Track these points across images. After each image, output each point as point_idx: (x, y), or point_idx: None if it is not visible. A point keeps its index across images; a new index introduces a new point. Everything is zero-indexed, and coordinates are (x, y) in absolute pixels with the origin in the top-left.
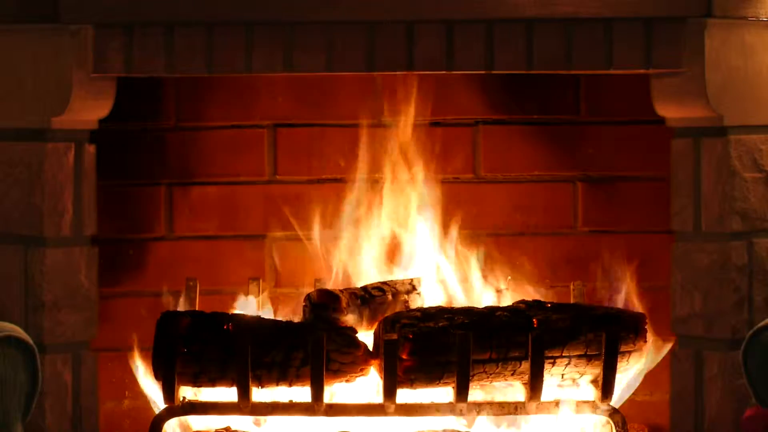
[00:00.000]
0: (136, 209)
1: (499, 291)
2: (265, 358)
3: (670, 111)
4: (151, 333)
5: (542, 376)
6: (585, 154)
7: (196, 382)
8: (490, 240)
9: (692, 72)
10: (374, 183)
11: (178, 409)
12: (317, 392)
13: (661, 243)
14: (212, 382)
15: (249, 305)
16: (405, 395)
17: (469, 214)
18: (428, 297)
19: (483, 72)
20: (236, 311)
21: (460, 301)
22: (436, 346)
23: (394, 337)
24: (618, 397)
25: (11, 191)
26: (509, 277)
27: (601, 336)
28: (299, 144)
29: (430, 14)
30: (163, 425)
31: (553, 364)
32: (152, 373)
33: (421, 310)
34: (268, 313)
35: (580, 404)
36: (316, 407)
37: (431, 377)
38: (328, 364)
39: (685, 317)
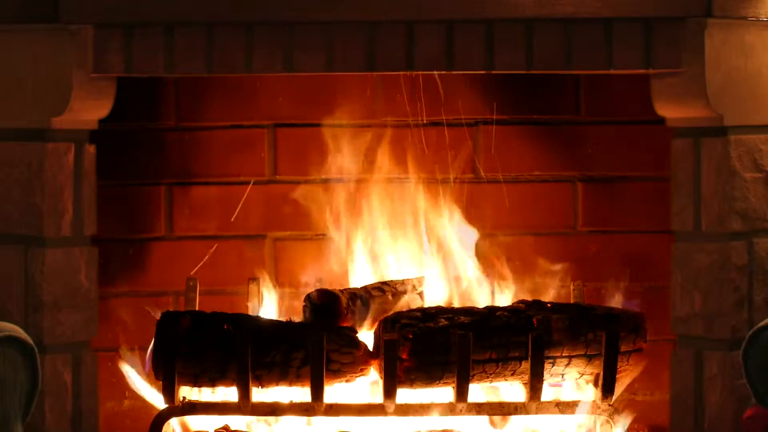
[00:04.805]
0: (136, 209)
1: (499, 291)
2: (265, 358)
3: (670, 111)
4: (150, 333)
5: (542, 376)
6: (585, 154)
7: (196, 382)
8: (490, 240)
9: (692, 72)
10: (373, 183)
11: (178, 409)
12: (317, 392)
13: (661, 243)
14: (212, 382)
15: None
16: (405, 395)
17: (469, 213)
18: (429, 297)
19: (483, 72)
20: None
21: (461, 301)
22: (436, 346)
23: (394, 337)
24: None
25: (11, 191)
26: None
27: (601, 336)
28: (299, 144)
29: (430, 14)
30: (163, 425)
31: (553, 364)
32: (152, 373)
33: (421, 310)
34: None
35: (580, 404)
36: (316, 407)
37: (431, 377)
38: (328, 364)
39: (685, 317)
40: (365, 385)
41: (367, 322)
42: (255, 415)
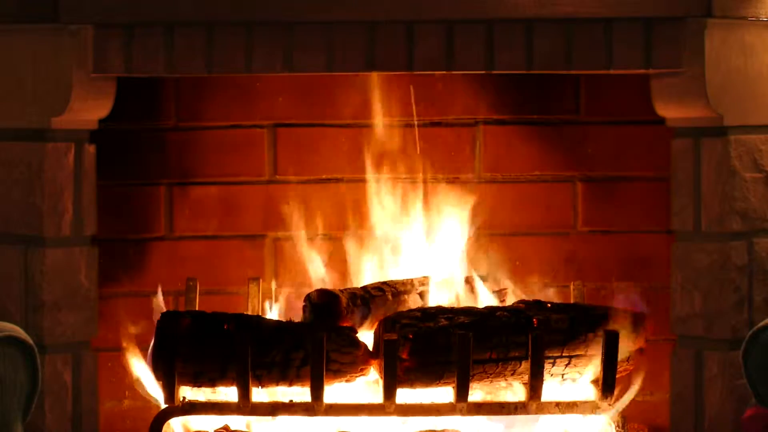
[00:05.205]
0: (136, 209)
1: (499, 291)
2: (265, 358)
3: (670, 111)
4: (150, 333)
5: (542, 376)
6: (585, 154)
7: (196, 382)
8: (491, 240)
9: (692, 72)
10: (374, 183)
11: (178, 409)
12: (317, 392)
13: (661, 243)
14: (212, 382)
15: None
16: (405, 395)
17: (470, 213)
18: (429, 297)
19: (483, 72)
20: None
21: (461, 301)
22: (436, 346)
23: (394, 337)
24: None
25: (11, 191)
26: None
27: (600, 336)
28: (299, 144)
29: (430, 14)
30: (163, 425)
31: (553, 364)
32: (152, 372)
33: (421, 310)
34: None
35: (580, 404)
36: (316, 407)
37: (431, 377)
38: (328, 364)
39: (685, 317)
40: (365, 385)
41: (367, 322)
42: (255, 415)
